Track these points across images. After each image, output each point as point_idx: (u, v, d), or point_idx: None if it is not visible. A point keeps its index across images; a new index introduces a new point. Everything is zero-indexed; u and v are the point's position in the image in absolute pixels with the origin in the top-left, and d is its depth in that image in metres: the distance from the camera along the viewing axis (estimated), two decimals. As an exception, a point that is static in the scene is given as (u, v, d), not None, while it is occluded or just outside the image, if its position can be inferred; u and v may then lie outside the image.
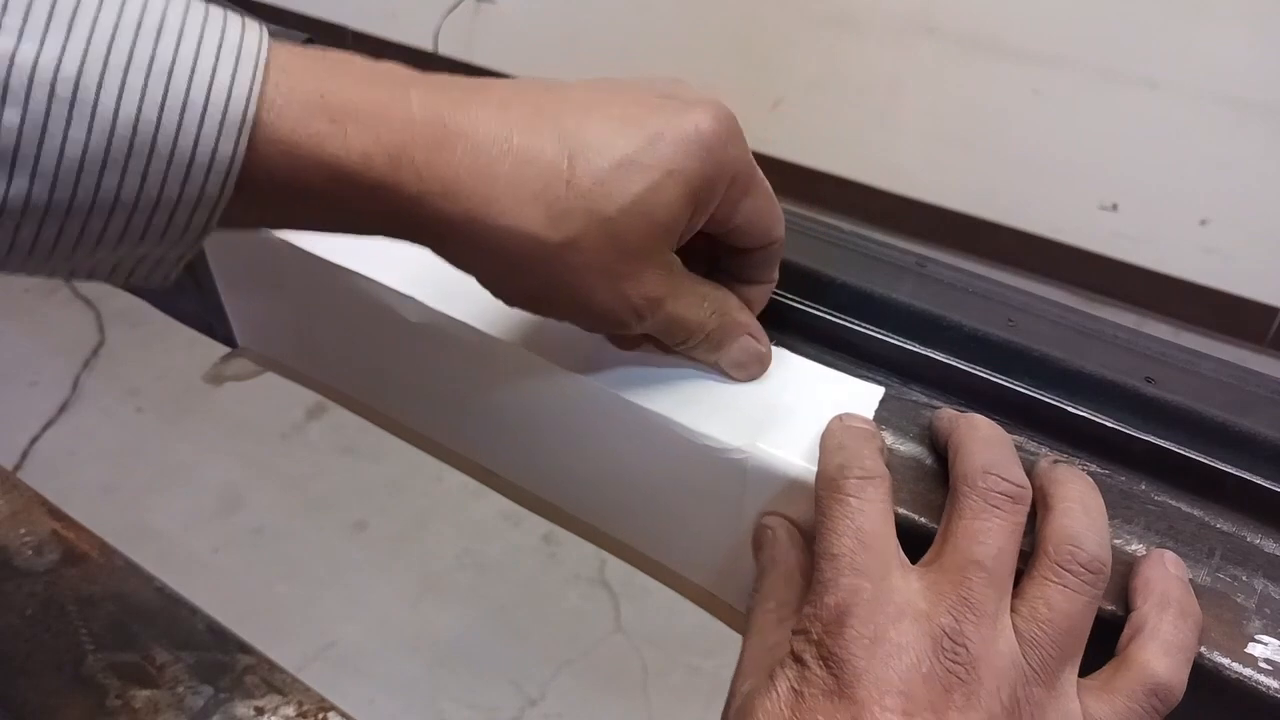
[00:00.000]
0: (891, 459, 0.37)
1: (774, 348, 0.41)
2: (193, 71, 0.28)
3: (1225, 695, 0.30)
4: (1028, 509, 0.32)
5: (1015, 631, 0.30)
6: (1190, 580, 0.32)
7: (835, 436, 0.36)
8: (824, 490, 0.33)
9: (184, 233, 0.30)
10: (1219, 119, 1.56)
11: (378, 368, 0.48)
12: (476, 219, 0.31)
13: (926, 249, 0.46)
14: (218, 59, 0.28)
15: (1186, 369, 0.39)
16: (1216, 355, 0.40)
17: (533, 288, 0.34)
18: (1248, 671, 0.30)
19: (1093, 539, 0.31)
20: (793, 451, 0.36)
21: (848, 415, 0.37)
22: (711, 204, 0.34)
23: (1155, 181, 1.64)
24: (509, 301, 0.35)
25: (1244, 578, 0.33)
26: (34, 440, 1.64)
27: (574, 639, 1.39)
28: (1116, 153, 1.64)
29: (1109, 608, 0.32)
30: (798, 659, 0.31)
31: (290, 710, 0.56)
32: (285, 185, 0.30)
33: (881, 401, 0.38)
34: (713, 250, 0.38)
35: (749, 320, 0.39)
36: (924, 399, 0.39)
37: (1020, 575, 0.32)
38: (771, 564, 0.35)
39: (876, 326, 0.41)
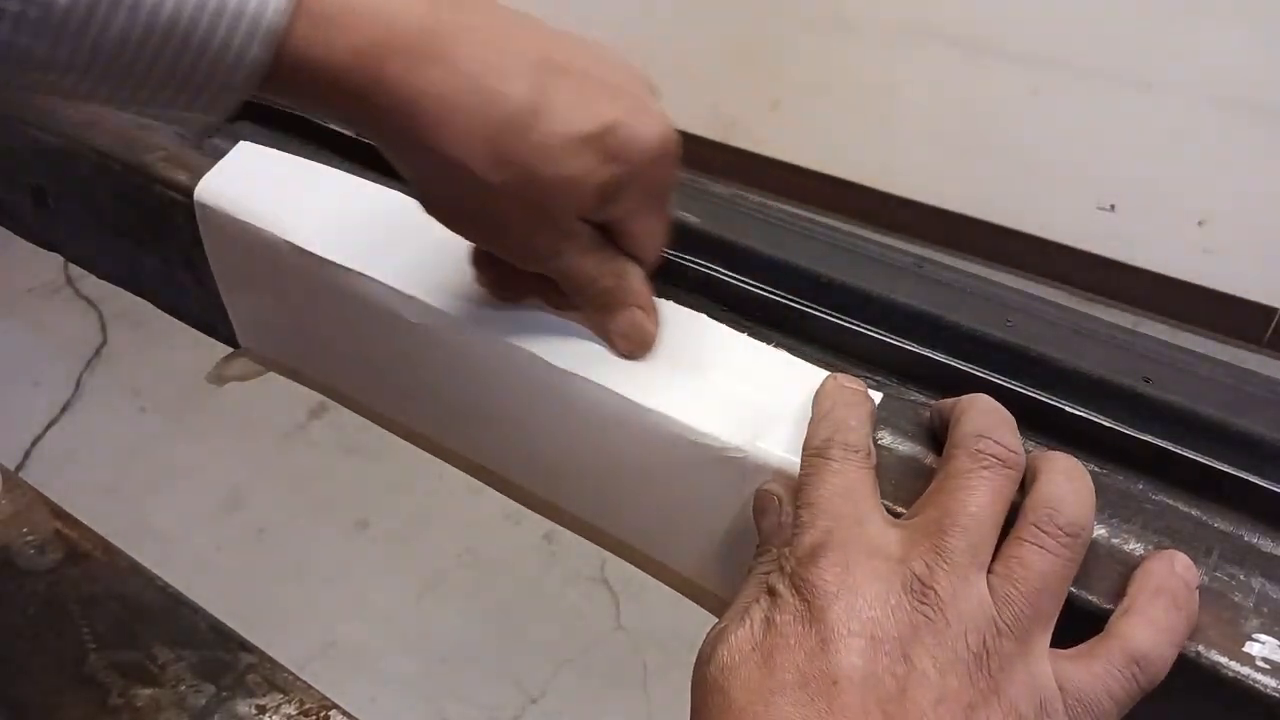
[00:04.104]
0: (889, 458, 0.37)
1: (774, 349, 0.41)
2: None
3: (1222, 693, 0.30)
4: (1017, 475, 0.33)
5: (990, 589, 0.30)
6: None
7: (826, 399, 0.37)
8: (808, 456, 0.34)
9: (209, 108, 0.33)
10: (1216, 120, 1.57)
11: (379, 367, 0.48)
12: (430, 143, 0.34)
13: (924, 250, 0.46)
14: None
15: (1184, 369, 0.39)
16: (1214, 355, 0.40)
17: (460, 212, 0.38)
18: (1245, 670, 0.30)
19: (1072, 504, 0.31)
20: (792, 451, 0.36)
21: (843, 375, 0.38)
22: (622, 203, 0.37)
23: (1153, 182, 1.64)
24: (439, 219, 0.38)
25: (1241, 576, 0.33)
26: (37, 440, 1.64)
27: (574, 637, 1.40)
28: (1114, 153, 1.65)
29: (1104, 604, 0.32)
30: (771, 591, 0.32)
31: (292, 709, 0.56)
32: (283, 83, 0.33)
33: (880, 403, 0.38)
34: None
35: (643, 294, 0.40)
36: (922, 399, 0.40)
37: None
38: (777, 529, 0.35)
39: (875, 327, 0.41)
